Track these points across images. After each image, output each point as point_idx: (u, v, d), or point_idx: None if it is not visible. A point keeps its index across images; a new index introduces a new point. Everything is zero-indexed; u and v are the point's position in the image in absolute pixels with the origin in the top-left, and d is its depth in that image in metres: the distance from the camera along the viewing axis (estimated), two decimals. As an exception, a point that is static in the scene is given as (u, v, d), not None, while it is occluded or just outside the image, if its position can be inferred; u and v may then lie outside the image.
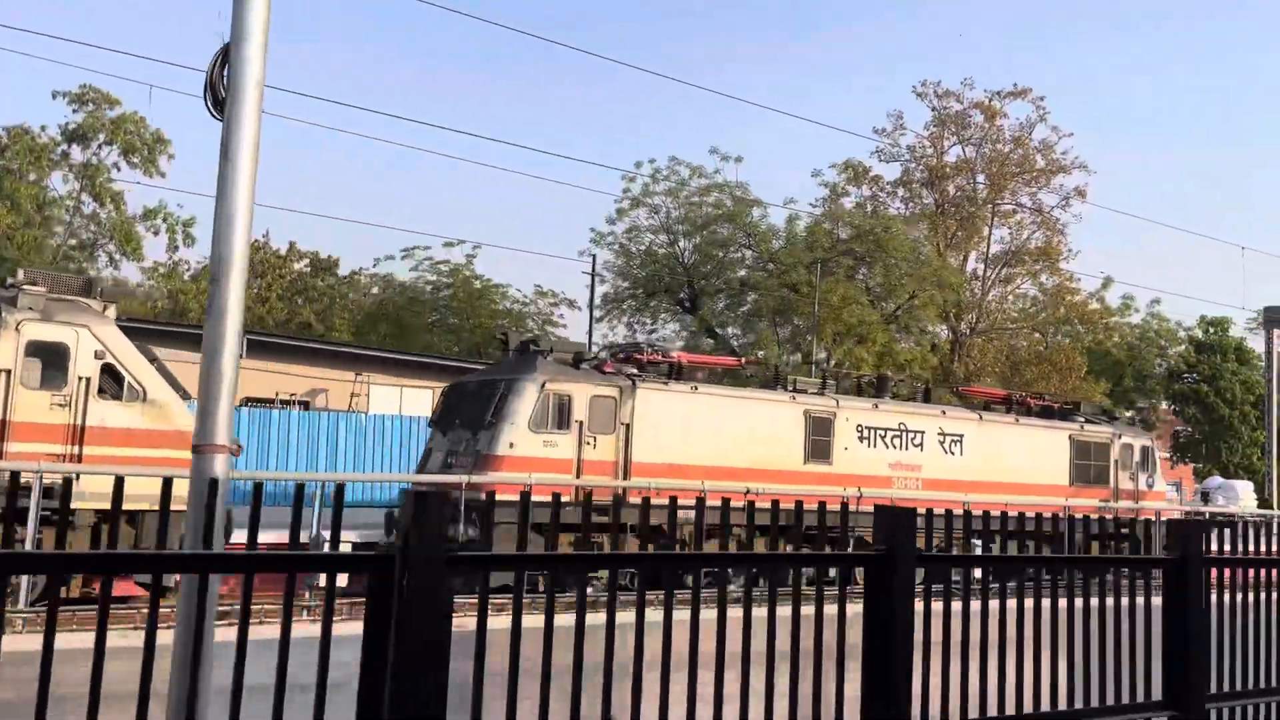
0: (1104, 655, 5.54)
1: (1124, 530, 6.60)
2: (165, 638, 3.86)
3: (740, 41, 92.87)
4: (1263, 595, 6.54)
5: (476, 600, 3.91)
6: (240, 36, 5.03)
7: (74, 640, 5.44)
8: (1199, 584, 5.94)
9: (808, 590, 4.87)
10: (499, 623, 4.23)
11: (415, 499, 3.50)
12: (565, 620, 4.19)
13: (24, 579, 12.19)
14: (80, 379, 14.64)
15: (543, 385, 18.93)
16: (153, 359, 15.83)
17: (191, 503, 4.50)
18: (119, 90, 42.97)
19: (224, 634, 4.63)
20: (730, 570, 4.78)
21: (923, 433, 23.92)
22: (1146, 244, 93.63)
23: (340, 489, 3.83)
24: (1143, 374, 53.44)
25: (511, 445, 18.56)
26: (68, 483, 12.50)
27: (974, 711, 5.03)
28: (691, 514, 4.78)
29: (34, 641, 5.46)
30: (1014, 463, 25.22)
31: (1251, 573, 6.54)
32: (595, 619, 4.12)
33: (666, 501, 5.67)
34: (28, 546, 12.17)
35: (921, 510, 5.12)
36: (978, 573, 6.52)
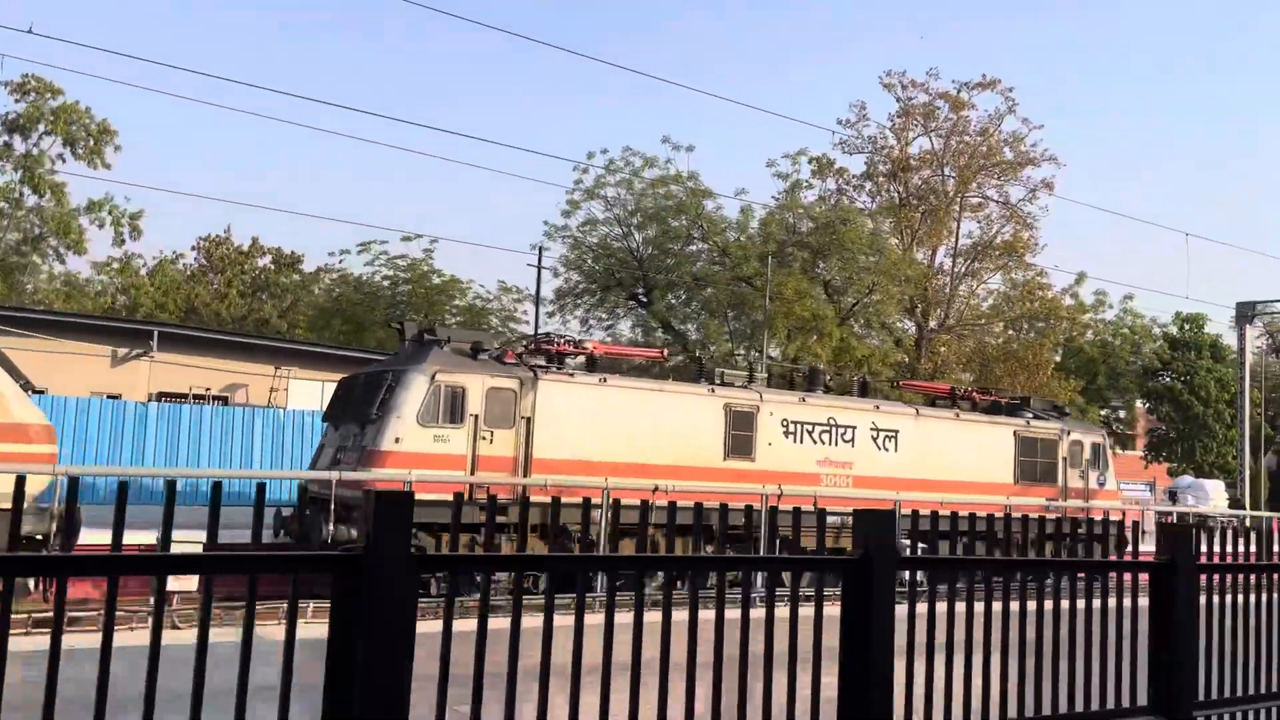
0: (1089, 659, 5.47)
1: (1075, 531, 6.18)
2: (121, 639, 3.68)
3: (701, 32, 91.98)
4: (1252, 599, 6.47)
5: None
6: None
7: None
8: (1188, 589, 5.86)
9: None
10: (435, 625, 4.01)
11: (377, 499, 3.41)
12: (532, 622, 4.15)
13: None
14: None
15: (433, 376, 17.88)
16: None
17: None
18: (60, 79, 41.91)
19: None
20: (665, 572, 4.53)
21: (854, 428, 22.87)
22: (1118, 238, 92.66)
23: (217, 486, 3.49)
24: (1116, 372, 52.35)
25: (398, 440, 17.51)
26: None
27: (957, 717, 5.00)
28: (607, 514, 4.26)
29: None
30: (954, 460, 24.17)
31: (1241, 577, 6.49)
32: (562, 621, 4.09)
33: (577, 500, 5.10)
34: None
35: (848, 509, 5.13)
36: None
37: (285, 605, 3.53)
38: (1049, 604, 5.42)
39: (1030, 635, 5.30)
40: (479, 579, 4.21)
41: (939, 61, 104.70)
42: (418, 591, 3.56)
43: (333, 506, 16.22)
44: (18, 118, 41.68)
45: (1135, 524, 6.74)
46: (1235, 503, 45.08)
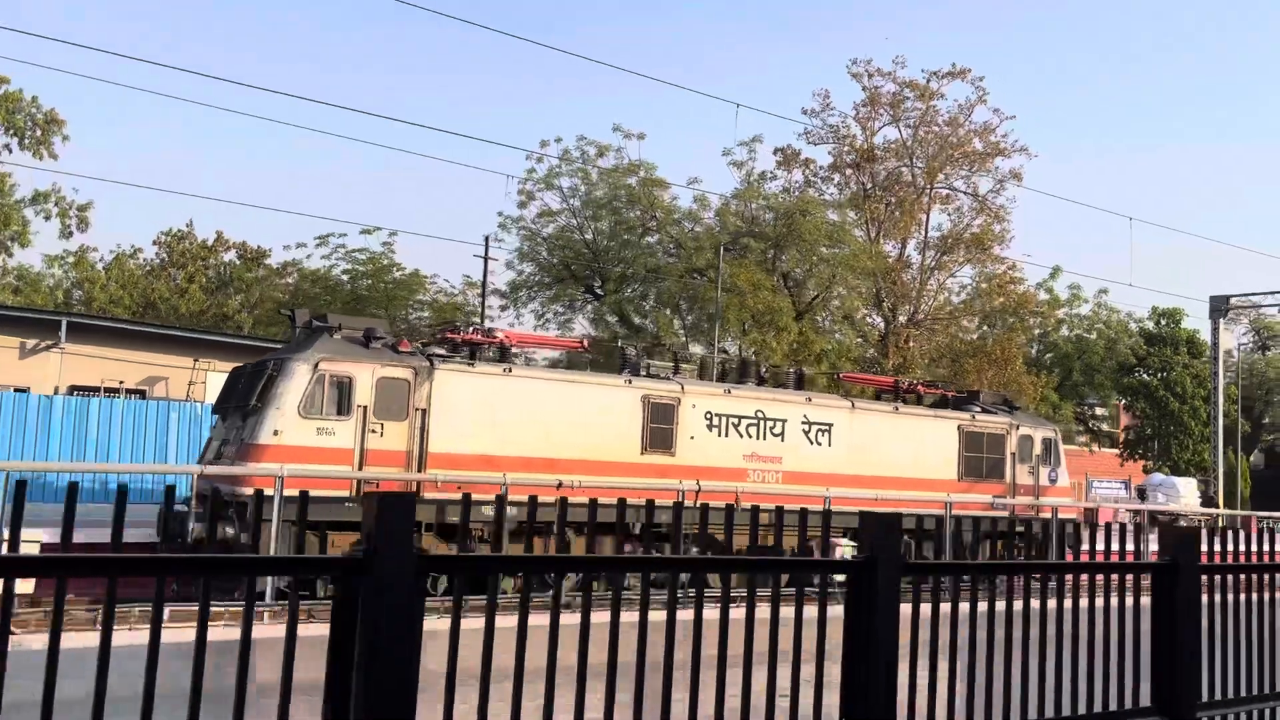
0: (1092, 660, 5.45)
1: (1019, 529, 5.98)
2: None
3: (663, 21, 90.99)
4: (1255, 599, 6.44)
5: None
6: None
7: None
8: (1191, 590, 5.83)
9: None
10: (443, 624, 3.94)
11: (380, 501, 3.37)
12: (538, 621, 4.03)
13: None
14: None
15: (316, 365, 16.87)
16: None
17: None
18: (7, 69, 40.88)
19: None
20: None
21: (784, 421, 21.87)
22: (1095, 232, 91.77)
23: (73, 486, 3.28)
24: (1091, 367, 51.23)
25: (276, 433, 16.50)
26: None
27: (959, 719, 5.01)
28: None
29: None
30: (892, 455, 23.17)
31: (1244, 577, 6.48)
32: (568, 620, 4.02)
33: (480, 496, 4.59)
34: None
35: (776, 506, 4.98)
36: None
37: (136, 609, 3.49)
38: (1052, 604, 5.41)
39: (1034, 636, 5.26)
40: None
41: (918, 51, 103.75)
42: (424, 597, 3.48)
43: (192, 503, 15.24)
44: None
45: (1123, 525, 6.43)
46: (1209, 500, 44.11)
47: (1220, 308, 43.32)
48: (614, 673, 3.98)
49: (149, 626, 3.34)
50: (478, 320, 44.86)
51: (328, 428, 16.85)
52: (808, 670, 4.43)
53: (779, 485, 21.39)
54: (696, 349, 35.89)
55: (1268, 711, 6.43)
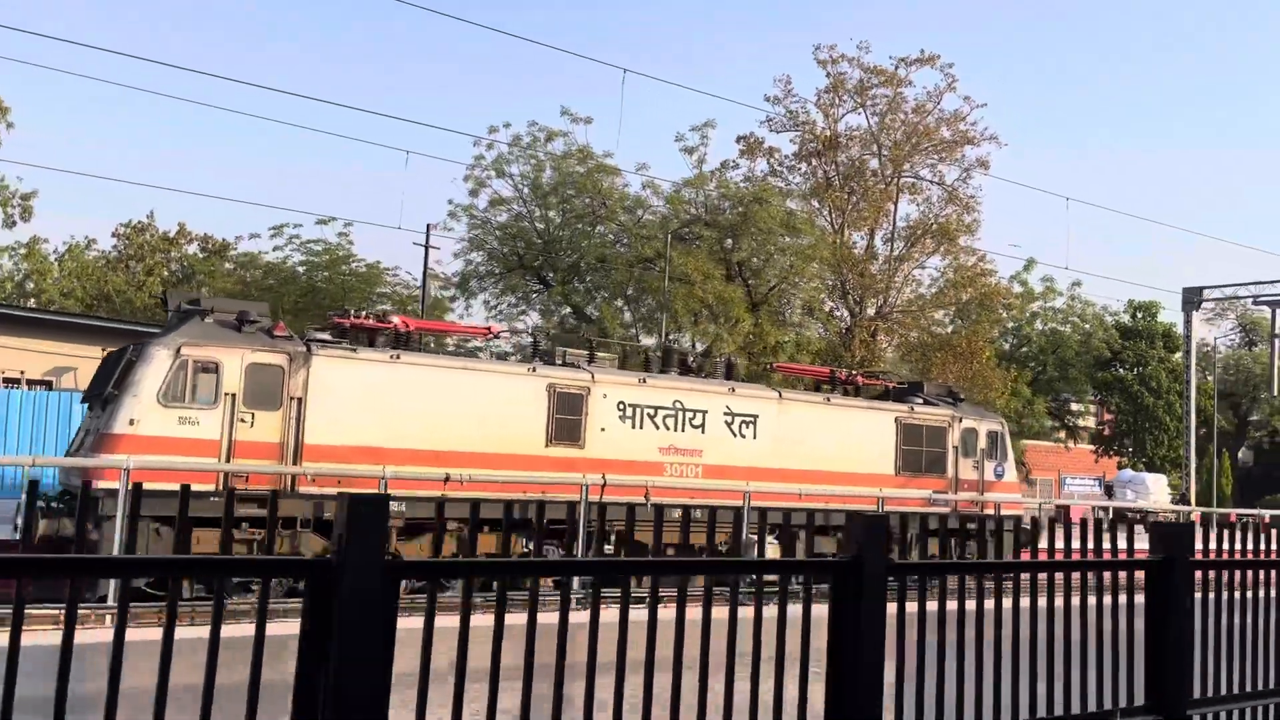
0: (1085, 659, 5.44)
1: (969, 526, 5.71)
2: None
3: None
4: (1248, 595, 6.41)
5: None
6: None
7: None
8: (1183, 586, 5.81)
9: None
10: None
11: (350, 503, 3.35)
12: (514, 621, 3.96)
13: None
14: None
15: (178, 350, 15.77)
16: None
17: None
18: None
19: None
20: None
21: (705, 412, 20.78)
22: (1069, 223, 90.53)
23: None
24: (1066, 362, 50.00)
25: (132, 423, 15.41)
26: None
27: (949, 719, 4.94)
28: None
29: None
30: (823, 448, 22.09)
31: (1238, 573, 6.44)
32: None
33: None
34: None
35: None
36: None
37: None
38: (1043, 603, 5.35)
39: (1024, 635, 5.24)
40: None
41: (917, 51, 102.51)
42: (396, 602, 3.47)
43: (31, 498, 14.11)
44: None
45: (1084, 521, 6.01)
46: (1183, 498, 43.01)
47: (1193, 299, 42.16)
48: (593, 672, 3.94)
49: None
50: (440, 312, 43.87)
51: (191, 417, 15.76)
52: (787, 671, 4.35)
53: (698, 480, 20.32)
54: (649, 341, 34.82)
55: (1260, 708, 6.39)
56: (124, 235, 56.61)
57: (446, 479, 16.82)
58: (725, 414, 21.02)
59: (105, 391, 15.84)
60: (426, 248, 35.15)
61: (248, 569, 4.62)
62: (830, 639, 4.45)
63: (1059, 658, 5.27)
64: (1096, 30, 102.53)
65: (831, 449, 22.17)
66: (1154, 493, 40.30)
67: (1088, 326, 50.35)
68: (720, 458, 20.85)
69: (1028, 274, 48.76)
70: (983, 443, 24.93)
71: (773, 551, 17.92)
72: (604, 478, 18.25)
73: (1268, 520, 26.57)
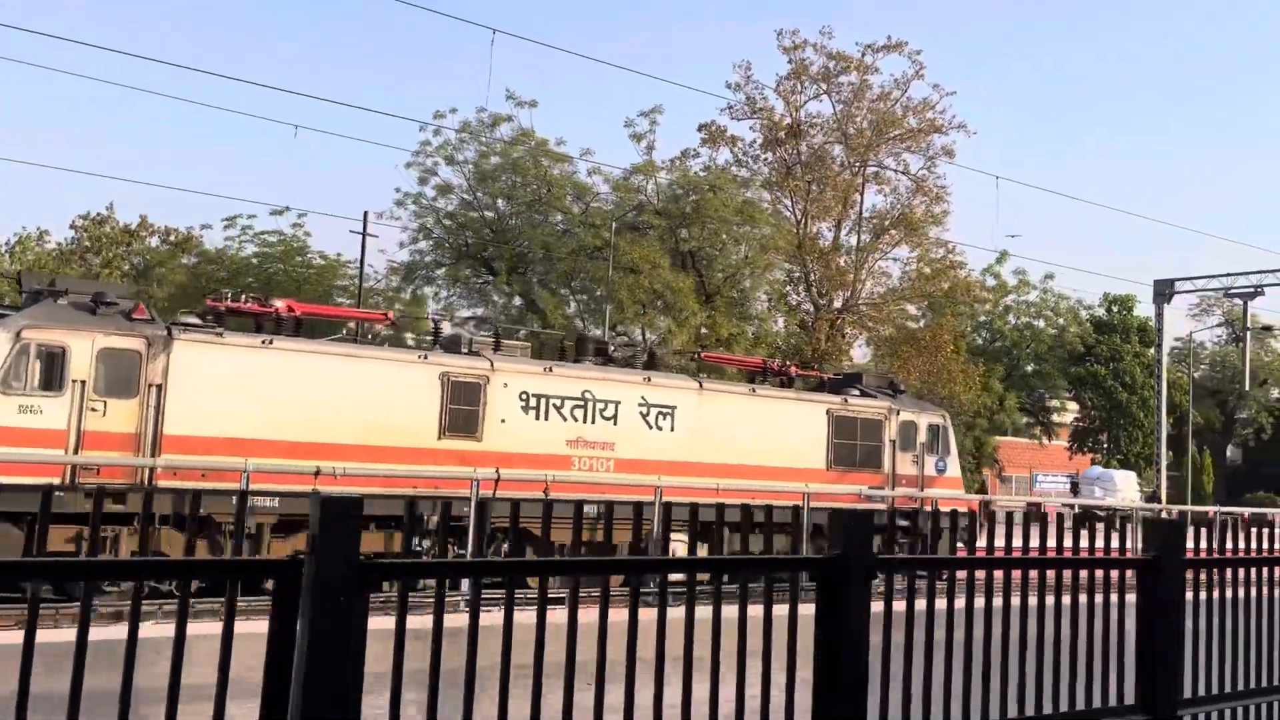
0: (1075, 657, 5.36)
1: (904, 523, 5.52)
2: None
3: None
4: (1239, 594, 6.35)
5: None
6: None
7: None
8: (1175, 585, 5.77)
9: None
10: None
11: (322, 505, 3.28)
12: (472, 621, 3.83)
13: None
14: None
15: (18, 334, 14.66)
16: None
17: None
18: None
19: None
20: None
21: (617, 403, 19.68)
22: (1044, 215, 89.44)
23: None
24: (1039, 356, 48.87)
25: (-35, 411, 14.31)
26: None
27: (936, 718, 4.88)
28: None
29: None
30: (747, 441, 20.98)
31: (1229, 572, 6.46)
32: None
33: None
34: None
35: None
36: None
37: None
38: (1033, 601, 5.28)
39: (1014, 634, 5.18)
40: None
41: (877, 26, 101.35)
42: (367, 605, 3.37)
43: None
44: None
45: (1046, 517, 6.43)
46: (1153, 496, 41.91)
47: (1165, 291, 41.07)
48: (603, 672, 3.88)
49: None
50: (403, 306, 42.81)
51: (33, 405, 14.65)
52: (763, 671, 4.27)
53: (608, 475, 19.21)
54: (596, 332, 33.75)
55: (1251, 708, 6.38)
56: (82, 228, 55.54)
57: (317, 473, 15.71)
58: (640, 405, 19.93)
59: (-58, 379, 14.74)
60: (364, 235, 34.08)
61: (219, 570, 4.46)
62: (817, 637, 4.38)
63: (1048, 656, 5.22)
64: (1096, 30, 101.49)
65: (756, 442, 21.06)
66: (1123, 490, 39.22)
67: (1061, 320, 49.26)
68: (634, 451, 19.75)
69: (1000, 266, 47.76)
70: (923, 436, 23.83)
71: (681, 550, 16.82)
72: (498, 472, 17.14)
73: (1247, 517, 25.53)
